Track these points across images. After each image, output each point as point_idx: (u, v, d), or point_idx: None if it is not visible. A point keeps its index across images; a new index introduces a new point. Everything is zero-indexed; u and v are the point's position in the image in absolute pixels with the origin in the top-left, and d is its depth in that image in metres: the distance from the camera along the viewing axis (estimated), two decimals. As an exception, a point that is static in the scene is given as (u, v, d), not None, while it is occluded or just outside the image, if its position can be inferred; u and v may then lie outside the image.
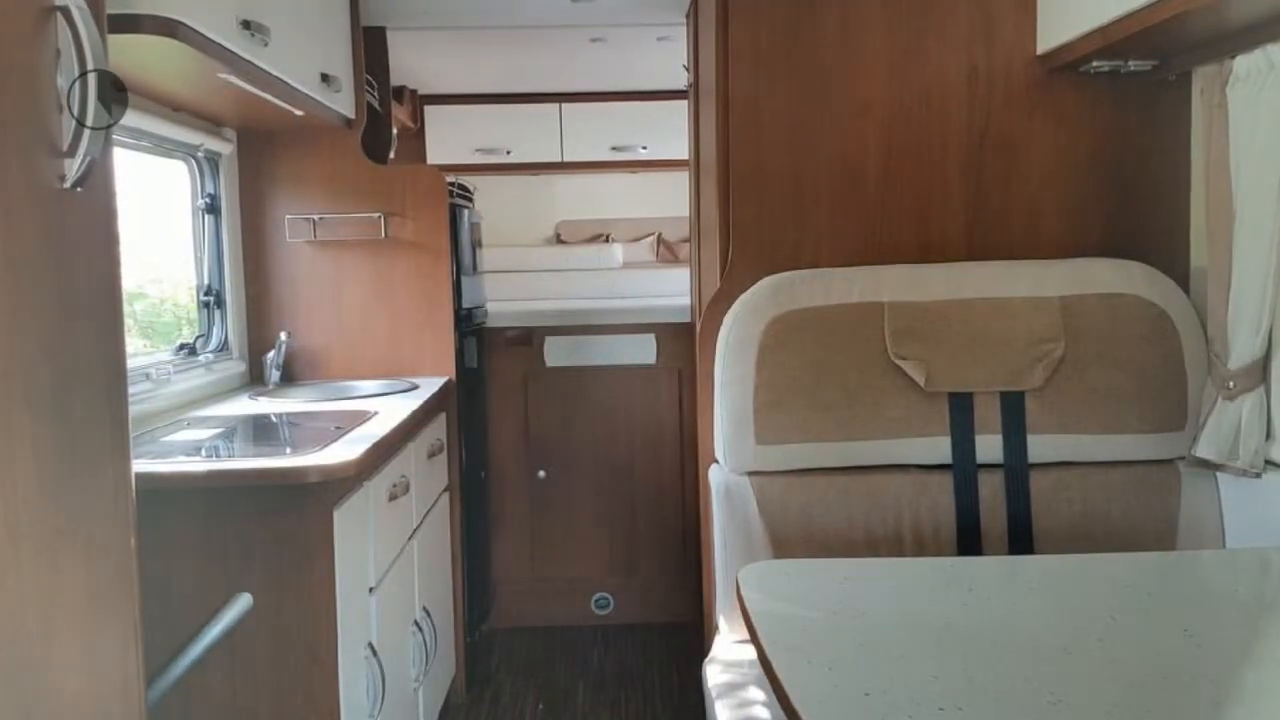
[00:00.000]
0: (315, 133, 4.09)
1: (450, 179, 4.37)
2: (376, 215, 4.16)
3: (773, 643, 1.87)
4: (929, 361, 3.02)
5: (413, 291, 4.23)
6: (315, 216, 4.16)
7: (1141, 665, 1.83)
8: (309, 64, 3.51)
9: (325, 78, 3.63)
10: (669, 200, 6.48)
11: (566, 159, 6.35)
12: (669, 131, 5.80)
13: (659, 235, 7.02)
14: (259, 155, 4.15)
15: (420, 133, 6.30)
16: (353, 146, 4.19)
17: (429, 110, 6.33)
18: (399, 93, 5.59)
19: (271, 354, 4.06)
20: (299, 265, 4.22)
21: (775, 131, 3.33)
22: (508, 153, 6.31)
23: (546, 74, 5.97)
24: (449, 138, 6.33)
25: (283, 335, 4.10)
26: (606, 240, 6.90)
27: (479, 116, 6.33)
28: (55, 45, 1.38)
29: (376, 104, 4.57)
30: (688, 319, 4.73)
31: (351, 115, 4.13)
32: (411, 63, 5.39)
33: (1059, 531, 3.05)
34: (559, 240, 7.07)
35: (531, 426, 5.10)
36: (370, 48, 4.39)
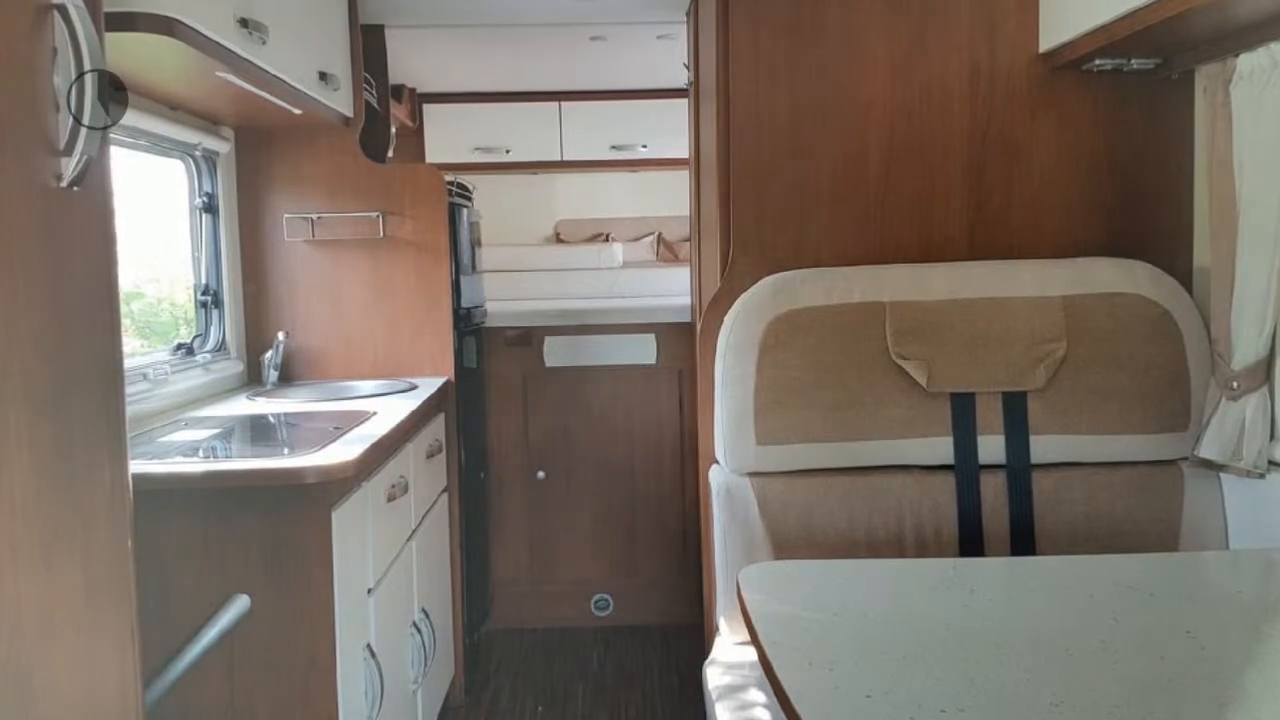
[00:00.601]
0: (313, 132, 4.09)
1: (449, 178, 4.37)
2: (375, 214, 4.16)
3: (773, 644, 1.87)
4: (930, 362, 3.02)
5: (412, 291, 4.23)
6: (313, 216, 4.16)
7: (1144, 667, 1.83)
8: (306, 62, 3.51)
9: (323, 76, 3.63)
10: (669, 199, 6.47)
11: (566, 158, 6.31)
12: (669, 130, 5.76)
13: (659, 235, 7.00)
14: (257, 153, 4.15)
15: (419, 131, 6.29)
16: (351, 145, 4.18)
17: (428, 109, 6.31)
18: (398, 91, 5.58)
19: (269, 354, 4.07)
20: (297, 264, 4.22)
21: (776, 130, 3.32)
22: (507, 151, 6.28)
23: (546, 72, 5.95)
24: (448, 136, 6.31)
25: (280, 335, 4.09)
26: (607, 240, 6.89)
27: (478, 115, 6.30)
28: (52, 44, 1.38)
29: (375, 102, 4.56)
30: (688, 319, 4.72)
31: (350, 114, 4.13)
32: (410, 61, 5.37)
33: (1061, 532, 3.05)
34: (558, 239, 7.06)
35: (531, 428, 5.09)
36: (369, 46, 4.40)
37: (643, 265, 6.74)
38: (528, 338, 5.05)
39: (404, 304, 4.24)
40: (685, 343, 4.84)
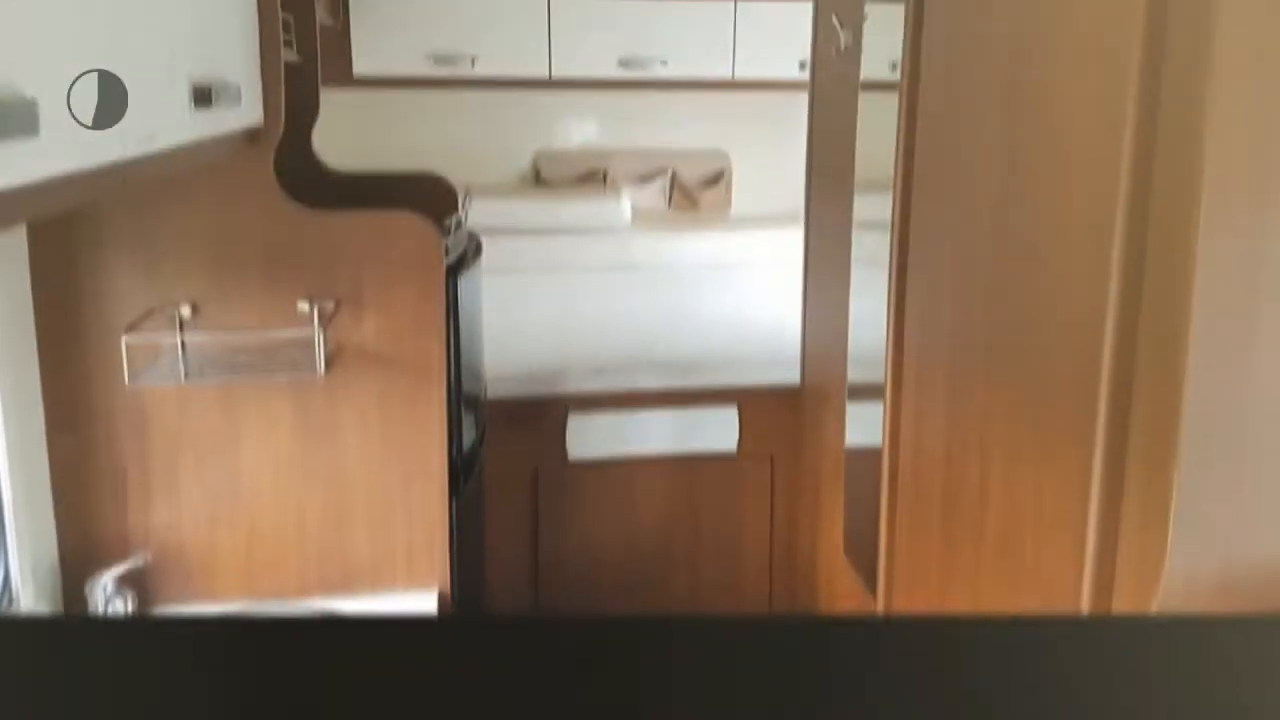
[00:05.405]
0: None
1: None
2: (304, 304, 2.41)
3: None
4: None
5: (371, 439, 2.53)
6: (178, 339, 2.36)
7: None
8: (157, 98, 1.67)
9: (203, 95, 1.78)
10: (683, 126, 5.15)
11: (556, 74, 4.54)
12: (701, 41, 4.49)
13: (673, 175, 5.25)
14: (69, 230, 2.33)
15: (344, 31, 4.35)
16: (260, 180, 2.34)
17: None
18: None
19: (105, 580, 2.35)
20: (152, 414, 2.46)
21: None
22: (473, 62, 4.47)
23: None
24: (388, 38, 4.43)
25: (137, 560, 2.43)
26: (604, 181, 5.16)
27: (432, 8, 4.45)
28: None
29: (294, 49, 2.81)
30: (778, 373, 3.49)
31: (258, 120, 2.27)
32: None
33: None
34: (538, 179, 5.22)
35: (542, 551, 3.61)
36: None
37: (654, 220, 5.06)
38: (540, 412, 3.52)
39: (359, 466, 2.55)
40: (782, 416, 3.48)
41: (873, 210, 2.69)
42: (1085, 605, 1.66)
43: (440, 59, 4.39)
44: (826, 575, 3.12)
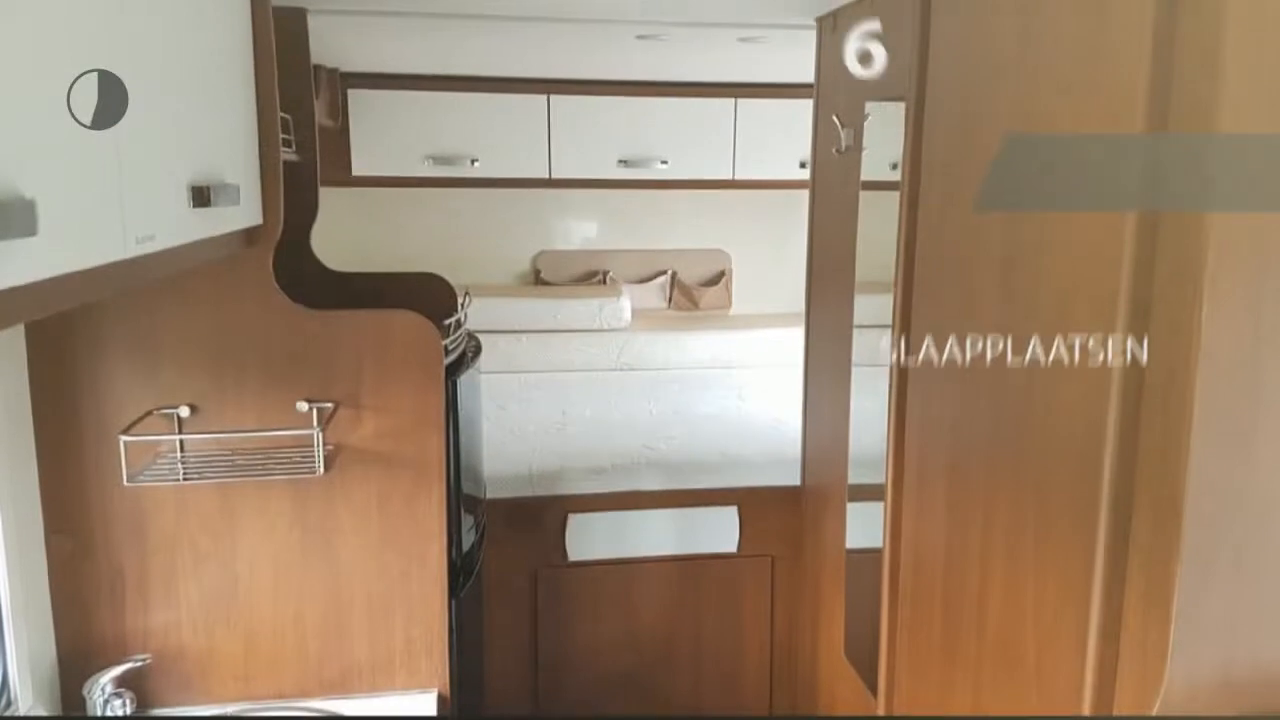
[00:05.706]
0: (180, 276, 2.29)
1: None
2: (303, 406, 2.42)
3: None
4: None
5: (370, 539, 2.52)
6: (177, 439, 2.39)
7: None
8: (156, 191, 1.74)
9: (201, 194, 1.80)
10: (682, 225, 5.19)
11: (556, 174, 4.57)
12: (700, 141, 4.55)
13: (673, 275, 5.32)
14: (67, 330, 2.36)
15: (344, 130, 4.42)
16: (259, 279, 2.37)
17: (356, 97, 4.44)
18: (314, 74, 3.65)
19: (103, 681, 2.31)
20: (151, 516, 2.46)
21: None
22: (473, 163, 4.51)
23: (531, 52, 4.13)
24: (386, 137, 4.47)
25: (138, 659, 2.41)
26: (604, 280, 5.22)
27: (430, 108, 4.49)
28: None
29: (293, 149, 2.84)
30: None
31: (258, 221, 2.30)
32: (334, 38, 3.62)
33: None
34: (538, 280, 5.26)
35: (542, 652, 3.59)
36: (281, 43, 2.45)
37: (654, 320, 5.11)
38: (539, 514, 3.53)
39: (358, 566, 2.53)
40: (782, 516, 3.49)
41: (873, 310, 2.70)
42: (1087, 706, 1.65)
43: (440, 160, 4.44)
44: (827, 676, 3.10)
